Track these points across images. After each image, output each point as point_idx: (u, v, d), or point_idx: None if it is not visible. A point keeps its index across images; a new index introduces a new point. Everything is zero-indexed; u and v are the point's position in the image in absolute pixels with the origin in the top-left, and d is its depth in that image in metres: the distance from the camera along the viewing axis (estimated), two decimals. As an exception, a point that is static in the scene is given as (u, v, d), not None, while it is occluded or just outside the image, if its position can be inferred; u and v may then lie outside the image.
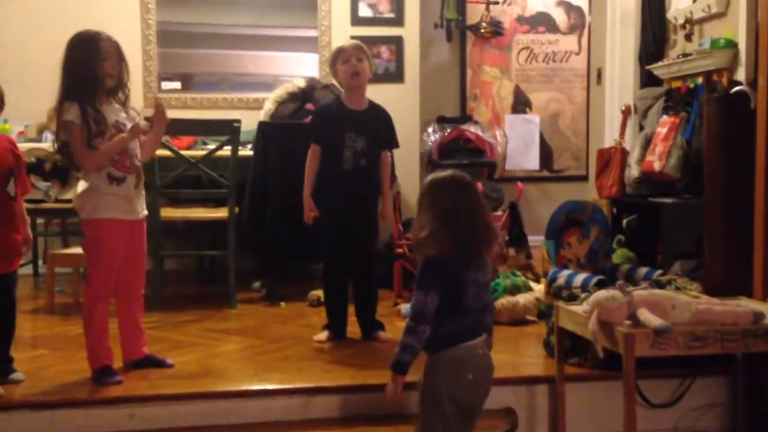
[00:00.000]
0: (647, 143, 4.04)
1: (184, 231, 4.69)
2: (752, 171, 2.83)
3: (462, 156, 5.48)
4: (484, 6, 5.85)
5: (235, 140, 3.88)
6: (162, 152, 3.85)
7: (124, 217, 2.72)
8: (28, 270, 4.67)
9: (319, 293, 3.81)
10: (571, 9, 6.11)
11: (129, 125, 2.72)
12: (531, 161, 6.08)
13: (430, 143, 5.49)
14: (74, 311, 3.75)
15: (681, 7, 4.27)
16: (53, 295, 3.87)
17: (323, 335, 3.26)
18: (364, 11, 5.24)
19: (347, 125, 3.21)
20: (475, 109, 5.99)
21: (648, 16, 4.59)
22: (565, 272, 2.92)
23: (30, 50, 4.75)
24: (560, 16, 6.10)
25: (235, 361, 3.00)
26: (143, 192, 2.82)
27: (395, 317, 3.62)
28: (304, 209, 3.23)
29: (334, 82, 3.61)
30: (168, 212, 4.02)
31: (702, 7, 3.99)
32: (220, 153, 3.96)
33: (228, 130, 3.90)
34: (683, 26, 4.19)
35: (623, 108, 4.53)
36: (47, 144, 4.45)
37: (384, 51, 5.26)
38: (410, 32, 5.29)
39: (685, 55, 4.06)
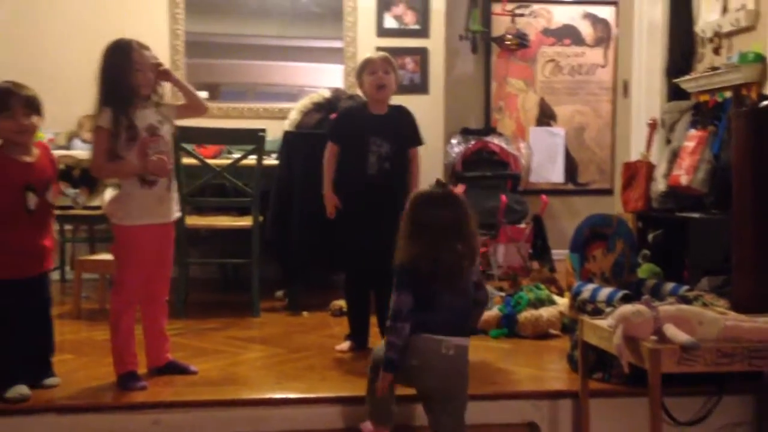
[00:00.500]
0: (674, 157, 4.01)
1: (209, 239, 4.72)
2: (782, 186, 2.79)
3: (486, 168, 5.48)
4: (509, 18, 5.85)
5: (260, 149, 3.91)
6: (188, 161, 3.90)
7: (155, 221, 2.75)
8: (55, 275, 4.72)
9: (341, 303, 3.81)
10: (597, 22, 6.09)
11: (162, 127, 2.76)
12: (555, 174, 6.06)
13: (453, 155, 5.49)
14: (100, 317, 3.79)
15: (709, 21, 4.25)
16: (80, 300, 3.92)
17: (345, 345, 3.26)
18: (390, 23, 5.27)
19: (370, 129, 3.23)
20: (500, 121, 5.99)
21: (675, 30, 4.57)
22: (590, 286, 2.89)
23: (61, 60, 4.84)
24: (586, 29, 6.09)
25: (258, 370, 3.01)
26: (176, 194, 2.86)
27: (417, 328, 3.61)
28: (326, 205, 3.25)
29: (359, 92, 3.62)
30: (193, 220, 4.06)
31: (731, 21, 3.96)
32: (245, 162, 3.99)
33: (253, 139, 3.93)
34: (711, 40, 4.16)
35: (650, 121, 4.50)
36: (76, 151, 4.53)
37: (409, 62, 5.28)
38: (435, 44, 5.31)
39: (713, 68, 4.03)
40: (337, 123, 3.43)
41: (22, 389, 2.52)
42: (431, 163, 4.96)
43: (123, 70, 2.66)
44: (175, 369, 2.86)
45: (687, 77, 4.29)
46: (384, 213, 3.23)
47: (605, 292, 2.80)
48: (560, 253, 4.47)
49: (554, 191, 5.89)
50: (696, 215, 3.74)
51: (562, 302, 3.62)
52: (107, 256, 4.07)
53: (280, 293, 4.39)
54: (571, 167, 6.09)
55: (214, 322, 3.77)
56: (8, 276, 2.56)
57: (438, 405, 2.33)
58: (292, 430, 2.57)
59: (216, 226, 4.16)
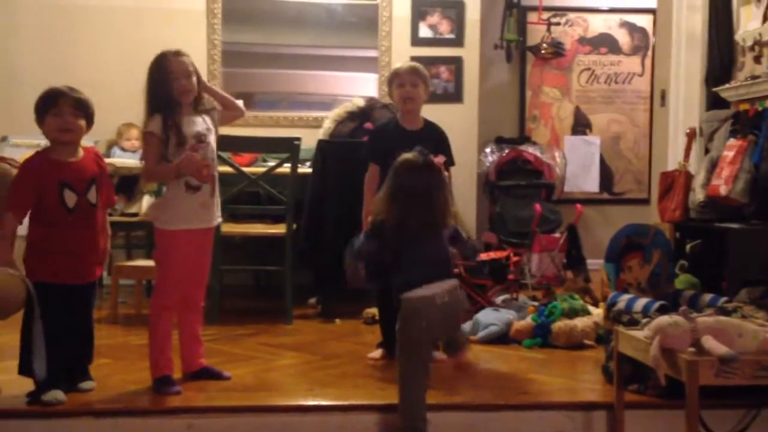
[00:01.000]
0: (713, 167, 3.94)
1: (243, 246, 4.76)
2: (824, 196, 2.73)
3: (520, 177, 5.45)
4: (545, 27, 5.82)
5: (294, 158, 3.94)
6: (223, 168, 3.93)
7: (198, 225, 2.80)
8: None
9: (374, 311, 3.81)
10: (634, 30, 6.04)
11: (209, 135, 2.83)
12: (590, 183, 6.00)
13: (487, 163, 5.48)
14: (137, 322, 3.85)
15: (749, 29, 4.18)
16: (117, 305, 3.98)
17: (378, 353, 3.26)
18: (425, 32, 5.28)
19: (403, 145, 3.22)
20: (534, 130, 5.96)
21: (715, 38, 4.50)
22: (626, 296, 2.85)
23: (100, 69, 4.93)
24: (623, 38, 6.04)
25: (291, 376, 3.03)
26: (219, 200, 2.90)
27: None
28: (364, 225, 3.25)
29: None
30: (228, 227, 4.10)
31: (772, 29, 3.90)
32: (279, 170, 4.03)
33: (288, 147, 3.96)
34: (752, 48, 4.09)
35: (688, 130, 4.44)
36: (115, 159, 4.61)
37: (443, 71, 5.28)
38: (470, 53, 5.31)
39: (753, 77, 3.97)
40: (372, 142, 3.43)
41: (57, 394, 2.55)
42: (465, 172, 4.96)
43: (160, 81, 2.74)
44: (209, 374, 2.89)
45: (727, 86, 4.22)
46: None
47: (641, 302, 2.76)
48: (595, 263, 4.42)
49: (589, 200, 5.84)
50: (735, 225, 3.67)
51: (597, 312, 3.58)
52: (144, 262, 4.14)
53: (312, 300, 4.41)
54: (606, 176, 6.03)
55: (247, 328, 3.80)
56: (52, 279, 2.59)
57: (455, 333, 2.82)
58: (324, 437, 2.58)
59: (250, 233, 4.20)
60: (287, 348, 3.45)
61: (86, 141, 4.49)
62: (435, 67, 5.18)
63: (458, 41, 5.29)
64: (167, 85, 2.73)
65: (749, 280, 3.44)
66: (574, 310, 3.57)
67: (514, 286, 4.07)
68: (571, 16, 5.98)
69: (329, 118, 4.85)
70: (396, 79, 3.29)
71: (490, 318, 3.59)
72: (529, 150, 5.57)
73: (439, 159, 2.87)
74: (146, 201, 4.56)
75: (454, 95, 5.28)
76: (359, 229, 3.27)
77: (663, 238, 3.04)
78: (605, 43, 6.03)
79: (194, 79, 2.79)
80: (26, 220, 2.64)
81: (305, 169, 4.34)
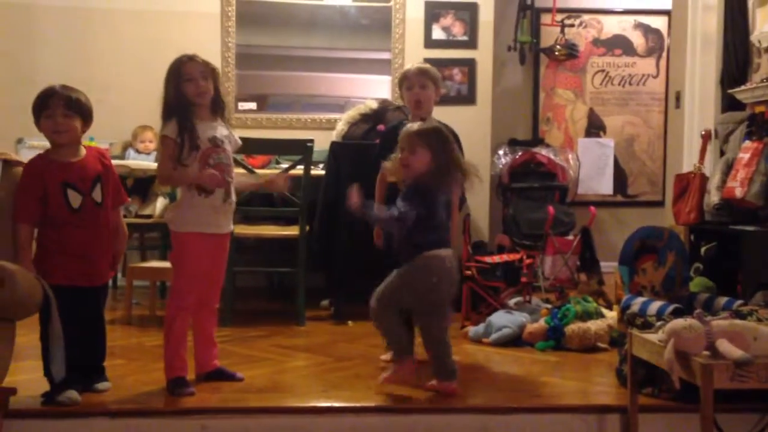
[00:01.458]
0: (728, 169, 3.92)
1: (255, 248, 4.78)
2: (841, 199, 2.71)
3: (533, 179, 5.43)
4: (558, 29, 5.81)
5: (307, 159, 3.96)
6: (236, 170, 3.95)
7: (208, 230, 2.81)
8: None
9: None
10: (649, 32, 6.01)
11: (226, 141, 2.85)
12: (604, 185, 5.97)
13: (500, 166, 5.46)
14: (151, 323, 3.87)
15: (765, 30, 4.15)
16: (131, 306, 4.00)
17: (390, 355, 3.25)
18: (438, 34, 5.28)
19: None
20: (548, 132, 5.94)
21: (730, 39, 4.47)
22: (640, 299, 2.85)
23: (115, 71, 4.97)
24: (638, 39, 6.01)
25: (304, 378, 3.03)
26: (232, 208, 2.90)
27: (462, 339, 3.60)
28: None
29: (406, 103, 3.64)
30: (241, 229, 4.11)
31: (788, 30, 3.87)
32: (292, 172, 4.03)
33: (301, 149, 3.98)
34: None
35: (703, 132, 4.42)
36: (130, 161, 4.64)
37: (456, 73, 5.28)
38: (483, 55, 5.30)
39: (769, 78, 3.94)
40: (383, 143, 3.42)
41: (72, 394, 2.57)
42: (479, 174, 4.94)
43: (174, 83, 2.76)
44: (222, 375, 2.90)
45: (742, 87, 4.19)
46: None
47: (656, 305, 2.76)
48: (609, 266, 4.40)
49: (603, 203, 5.81)
50: (750, 228, 3.65)
51: (611, 315, 3.57)
52: (158, 264, 4.16)
53: (325, 302, 4.42)
54: (620, 179, 6.00)
55: (260, 330, 3.81)
56: (63, 282, 2.60)
57: (442, 309, 2.79)
58: (337, 439, 2.58)
59: (263, 235, 4.21)
60: (300, 350, 3.46)
61: (101, 143, 4.57)
62: (448, 69, 5.18)
63: (471, 43, 5.29)
64: (180, 86, 2.75)
65: (764, 283, 3.41)
66: (587, 312, 3.55)
67: (527, 289, 4.06)
68: (585, 17, 5.96)
69: (342, 120, 4.86)
70: (405, 82, 3.29)
71: (503, 320, 3.58)
72: (543, 152, 5.55)
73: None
74: (160, 203, 4.58)
75: (467, 97, 5.28)
76: (371, 231, 3.28)
77: (677, 241, 3.03)
78: (619, 44, 6.00)
79: (211, 83, 2.80)
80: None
81: (318, 171, 4.35)
